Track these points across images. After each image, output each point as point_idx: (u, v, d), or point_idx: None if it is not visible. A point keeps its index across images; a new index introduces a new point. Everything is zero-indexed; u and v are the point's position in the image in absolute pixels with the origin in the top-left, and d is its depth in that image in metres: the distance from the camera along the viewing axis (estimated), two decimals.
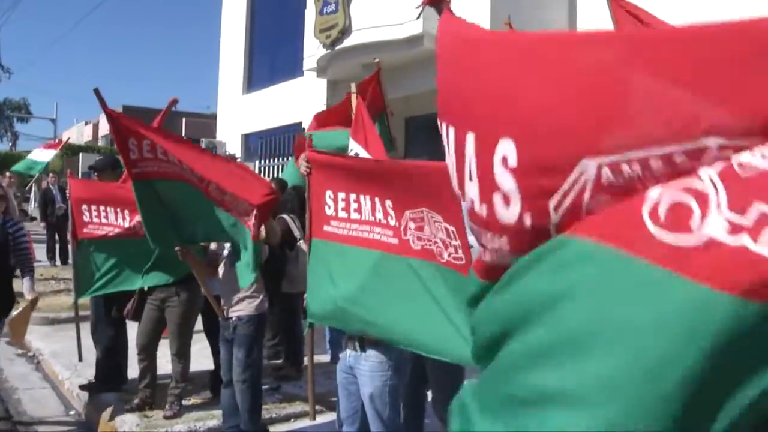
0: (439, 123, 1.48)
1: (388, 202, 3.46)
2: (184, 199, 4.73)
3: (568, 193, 1.13)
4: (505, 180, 1.22)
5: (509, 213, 1.23)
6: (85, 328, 6.51)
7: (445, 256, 3.23)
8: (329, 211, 3.80)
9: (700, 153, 1.01)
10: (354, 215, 3.66)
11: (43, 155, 15.15)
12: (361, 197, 3.61)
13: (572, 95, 1.14)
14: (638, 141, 1.06)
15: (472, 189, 1.34)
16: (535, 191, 1.18)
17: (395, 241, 3.45)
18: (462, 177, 1.39)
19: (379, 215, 3.52)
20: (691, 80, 1.03)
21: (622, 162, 1.07)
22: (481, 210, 1.31)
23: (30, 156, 15.52)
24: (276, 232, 4.84)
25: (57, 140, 15.80)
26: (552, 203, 1.15)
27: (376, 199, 3.52)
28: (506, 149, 1.21)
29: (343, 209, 3.72)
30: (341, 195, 3.73)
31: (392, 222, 3.46)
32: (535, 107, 1.18)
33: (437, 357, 3.44)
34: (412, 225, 3.36)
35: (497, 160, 1.23)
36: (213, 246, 5.17)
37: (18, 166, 15.57)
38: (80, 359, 6.48)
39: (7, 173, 13.83)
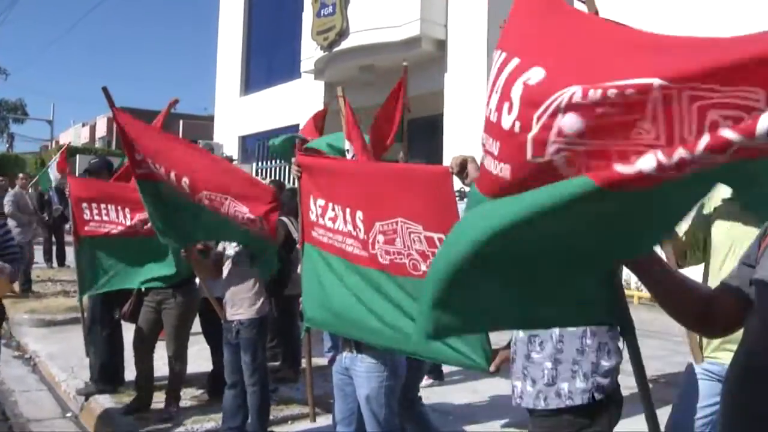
0: (496, 51, 1.71)
1: (359, 214, 3.41)
2: (185, 203, 4.75)
3: (549, 106, 1.42)
4: (516, 92, 1.52)
5: (508, 119, 1.53)
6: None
7: (423, 267, 3.16)
8: (312, 217, 3.78)
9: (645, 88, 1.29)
10: (329, 224, 3.64)
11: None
12: (336, 207, 3.58)
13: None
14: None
15: (494, 100, 1.62)
16: (529, 102, 1.47)
17: (365, 253, 3.42)
18: (491, 92, 1.65)
19: (349, 227, 3.49)
20: None
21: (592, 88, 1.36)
22: (493, 117, 1.60)
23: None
24: (279, 233, 4.90)
25: (61, 152, 15.67)
26: (536, 114, 1.44)
27: (347, 210, 3.49)
28: (534, 73, 1.50)
29: (320, 216, 3.70)
30: (320, 202, 3.71)
31: (361, 235, 3.42)
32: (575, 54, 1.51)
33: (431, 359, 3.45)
34: (381, 238, 3.30)
35: (521, 79, 1.52)
36: (220, 247, 5.17)
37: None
38: (87, 355, 6.45)
39: (20, 174, 13.84)
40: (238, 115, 20.57)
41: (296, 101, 17.31)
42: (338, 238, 3.57)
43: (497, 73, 1.65)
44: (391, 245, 3.25)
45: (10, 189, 13.43)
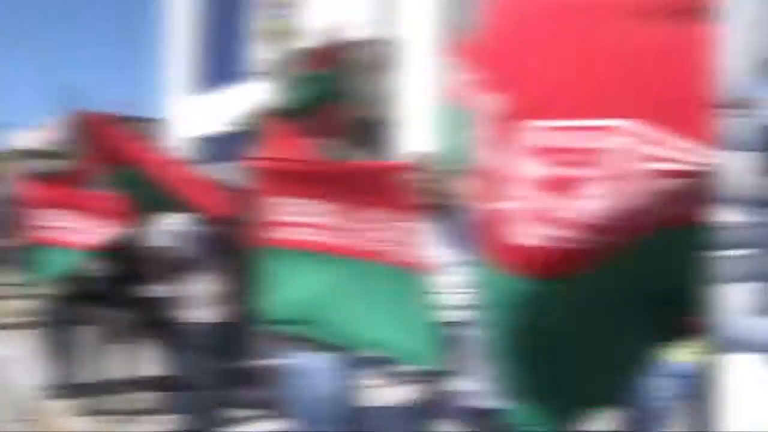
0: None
1: (337, 205, 3.52)
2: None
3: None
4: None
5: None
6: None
7: (400, 256, 3.29)
8: (277, 217, 3.83)
9: None
10: (303, 219, 3.69)
11: None
12: (312, 200, 3.64)
13: None
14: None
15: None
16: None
17: (345, 242, 3.51)
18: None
19: (327, 217, 3.57)
20: None
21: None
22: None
23: None
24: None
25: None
26: None
27: (324, 202, 3.57)
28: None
29: (288, 213, 3.74)
30: (289, 200, 3.74)
31: (342, 224, 3.51)
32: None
33: (398, 357, 3.54)
34: (360, 226, 3.43)
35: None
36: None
37: None
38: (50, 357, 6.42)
39: None
40: (191, 116, 20.38)
41: (249, 103, 17.21)
42: (311, 231, 3.63)
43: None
44: (372, 233, 3.38)
45: None
